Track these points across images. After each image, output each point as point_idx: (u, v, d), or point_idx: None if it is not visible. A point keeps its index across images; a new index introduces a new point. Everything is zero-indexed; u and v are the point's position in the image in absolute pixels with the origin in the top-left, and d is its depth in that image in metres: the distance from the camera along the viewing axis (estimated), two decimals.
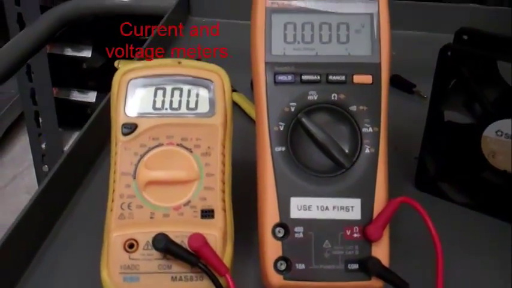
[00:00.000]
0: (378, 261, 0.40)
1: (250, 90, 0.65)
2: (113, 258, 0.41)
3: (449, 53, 0.47)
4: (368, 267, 0.40)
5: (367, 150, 0.42)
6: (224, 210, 0.42)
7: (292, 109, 0.42)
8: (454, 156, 0.50)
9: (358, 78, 0.42)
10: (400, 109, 0.62)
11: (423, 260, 0.42)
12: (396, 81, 0.67)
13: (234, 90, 0.62)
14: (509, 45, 0.47)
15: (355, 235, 0.41)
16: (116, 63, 0.62)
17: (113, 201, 0.42)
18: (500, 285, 0.45)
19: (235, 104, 0.61)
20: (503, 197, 0.50)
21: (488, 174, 0.49)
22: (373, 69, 0.42)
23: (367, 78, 0.42)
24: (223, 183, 0.42)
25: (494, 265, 0.47)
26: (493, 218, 0.50)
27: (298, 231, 0.41)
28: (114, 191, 0.42)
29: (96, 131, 0.56)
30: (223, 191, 0.42)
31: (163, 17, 0.75)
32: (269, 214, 0.41)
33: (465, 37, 0.49)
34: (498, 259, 0.47)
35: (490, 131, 0.47)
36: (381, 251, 0.40)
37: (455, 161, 0.50)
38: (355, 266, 0.40)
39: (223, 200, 0.42)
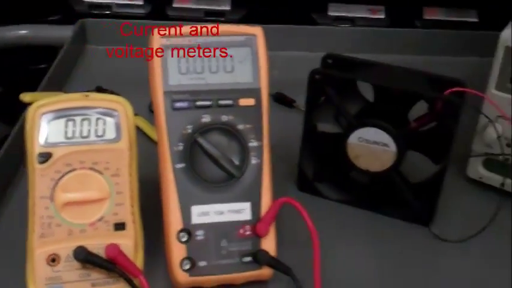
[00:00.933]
0: (266, 253, 0.48)
1: (148, 113, 0.71)
2: (38, 272, 0.46)
3: (317, 76, 0.56)
4: (258, 258, 0.48)
5: (253, 161, 0.50)
6: (134, 222, 0.48)
7: (189, 131, 0.49)
8: (327, 161, 0.60)
9: (243, 102, 0.50)
10: (283, 122, 0.71)
11: (305, 249, 0.50)
12: (279, 98, 0.76)
13: (135, 115, 0.68)
14: (365, 67, 0.57)
15: (247, 233, 0.49)
16: (21, 96, 0.67)
17: (33, 222, 0.47)
18: (371, 269, 0.55)
19: (137, 127, 0.67)
20: (369, 192, 0.60)
21: (354, 174, 0.59)
22: (255, 93, 0.51)
23: (250, 101, 0.50)
24: (132, 199, 0.48)
25: (365, 253, 0.56)
26: (363, 210, 0.60)
27: (199, 234, 0.48)
28: (34, 213, 0.47)
29: (7, 161, 0.60)
30: (132, 206, 0.48)
31: (61, 47, 0.80)
32: (173, 222, 0.48)
33: (330, 61, 0.59)
34: (368, 246, 0.57)
35: (353, 138, 0.57)
36: (268, 244, 0.49)
37: (328, 164, 0.60)
38: (249, 259, 0.48)
39: (133, 213, 0.48)
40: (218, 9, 0.91)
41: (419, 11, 0.93)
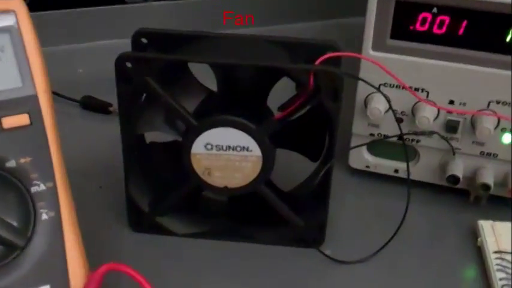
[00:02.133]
0: None
1: None
2: None
3: (128, 64, 0.37)
4: None
5: (44, 216, 0.30)
6: None
7: None
8: (166, 184, 0.42)
9: (9, 121, 0.31)
10: (100, 136, 0.52)
11: None
12: (89, 104, 0.56)
13: None
14: (197, 42, 0.40)
15: None
16: None
17: None
18: None
19: None
20: (231, 216, 0.43)
21: (208, 194, 0.42)
22: (29, 104, 0.31)
23: (22, 119, 0.31)
24: None
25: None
26: (227, 241, 0.43)
27: None
28: None
29: None
30: None
31: None
32: None
33: (144, 40, 0.41)
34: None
35: (198, 147, 0.39)
36: None
37: (168, 188, 0.42)
38: None
39: None
40: None
41: None
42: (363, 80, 0.40)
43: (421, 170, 0.47)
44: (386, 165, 0.48)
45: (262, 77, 0.39)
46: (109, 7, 0.67)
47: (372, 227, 0.44)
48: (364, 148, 0.47)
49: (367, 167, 0.48)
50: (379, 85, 0.44)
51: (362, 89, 0.44)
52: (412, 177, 0.47)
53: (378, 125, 0.46)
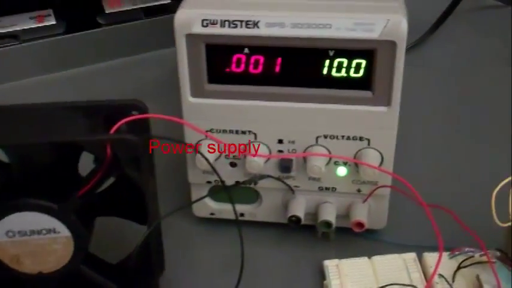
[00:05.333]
0: None
1: None
2: None
3: None
4: None
5: None
6: None
7: None
8: None
9: None
10: None
11: None
12: None
13: None
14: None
15: None
16: None
17: None
18: None
19: None
20: None
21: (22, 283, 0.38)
22: None
23: None
24: None
25: None
26: None
27: None
28: None
29: None
30: None
31: None
32: None
33: None
34: None
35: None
36: None
37: None
38: None
39: None
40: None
41: (99, 4, 0.74)
42: (170, 139, 0.36)
43: (265, 210, 0.44)
44: (231, 210, 0.45)
45: (60, 151, 0.35)
46: None
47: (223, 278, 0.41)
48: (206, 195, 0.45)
49: (212, 214, 0.46)
50: (206, 131, 0.41)
51: (190, 137, 0.42)
52: (257, 218, 0.45)
53: (211, 172, 0.43)
